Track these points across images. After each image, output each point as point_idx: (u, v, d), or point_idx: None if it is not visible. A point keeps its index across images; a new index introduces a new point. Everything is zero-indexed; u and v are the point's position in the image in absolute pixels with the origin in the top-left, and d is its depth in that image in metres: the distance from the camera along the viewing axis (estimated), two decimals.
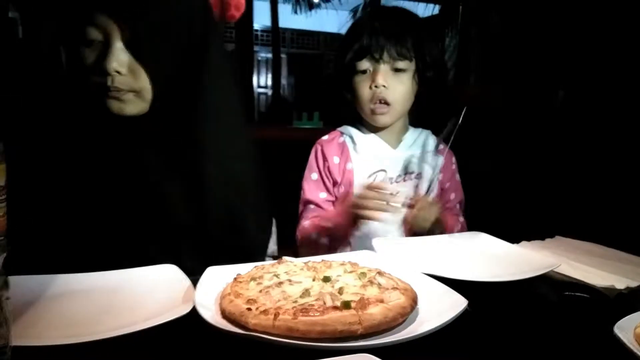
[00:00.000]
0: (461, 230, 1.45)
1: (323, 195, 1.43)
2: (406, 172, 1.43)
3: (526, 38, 2.72)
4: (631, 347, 0.61)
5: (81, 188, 0.98)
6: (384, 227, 1.36)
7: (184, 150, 1.04)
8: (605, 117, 2.08)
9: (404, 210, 1.34)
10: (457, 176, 1.56)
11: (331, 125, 1.53)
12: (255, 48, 9.59)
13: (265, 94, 11.55)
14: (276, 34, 8.82)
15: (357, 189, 1.37)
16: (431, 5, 6.09)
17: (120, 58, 0.93)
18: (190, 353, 0.65)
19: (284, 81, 11.35)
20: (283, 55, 10.77)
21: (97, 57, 0.94)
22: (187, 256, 0.95)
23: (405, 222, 1.38)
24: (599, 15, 2.30)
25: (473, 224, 1.55)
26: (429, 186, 1.43)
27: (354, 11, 8.04)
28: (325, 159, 1.44)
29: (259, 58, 11.29)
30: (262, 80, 11.61)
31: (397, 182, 1.41)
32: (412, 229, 1.36)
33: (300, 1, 7.88)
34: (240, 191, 1.12)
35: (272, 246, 1.20)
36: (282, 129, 4.87)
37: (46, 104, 1.01)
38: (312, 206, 1.43)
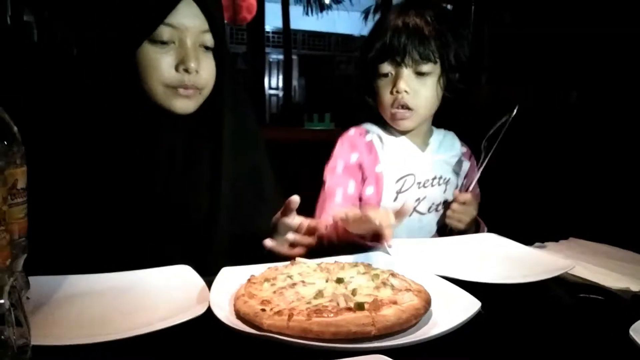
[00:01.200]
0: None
1: (350, 188, 1.33)
2: (434, 176, 1.36)
3: (539, 39, 2.70)
4: None
5: (101, 189, 0.99)
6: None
7: (207, 151, 1.08)
8: (619, 118, 2.06)
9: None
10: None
11: (342, 126, 1.49)
12: (267, 49, 9.61)
13: (277, 95, 11.57)
14: (287, 36, 8.84)
15: (386, 193, 1.31)
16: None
17: (198, 57, 1.00)
18: (205, 353, 0.65)
19: (295, 82, 11.35)
20: (294, 57, 10.78)
21: (171, 58, 0.99)
22: (201, 257, 0.96)
23: (445, 218, 1.33)
24: (610, 18, 2.29)
25: (487, 225, 1.55)
26: (468, 187, 1.36)
27: (366, 12, 8.02)
28: (353, 151, 1.35)
29: (270, 59, 11.31)
30: (273, 82, 11.64)
31: (424, 186, 1.34)
32: (450, 225, 1.32)
33: (312, 3, 7.88)
34: (256, 192, 1.16)
35: None
36: (294, 130, 4.87)
37: (80, 105, 1.03)
38: (336, 201, 1.31)
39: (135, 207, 1.00)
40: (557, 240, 1.23)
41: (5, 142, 0.53)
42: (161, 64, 0.98)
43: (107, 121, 1.00)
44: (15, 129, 0.55)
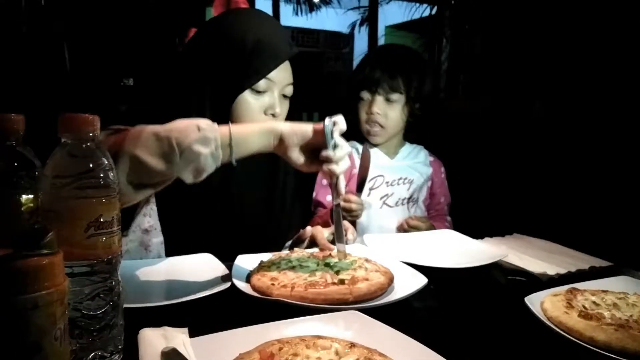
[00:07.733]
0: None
1: (329, 197, 1.72)
2: (400, 177, 1.76)
3: (507, 55, 3.00)
4: (537, 314, 0.88)
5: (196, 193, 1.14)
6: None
7: (266, 167, 1.34)
8: (575, 128, 2.35)
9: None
10: (446, 183, 1.88)
11: None
12: None
13: None
14: None
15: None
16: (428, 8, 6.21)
17: (281, 104, 1.25)
18: (232, 315, 0.90)
19: None
20: None
21: (262, 103, 1.21)
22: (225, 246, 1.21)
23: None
24: (571, 35, 2.58)
25: (453, 223, 1.84)
26: (417, 194, 1.75)
27: (352, 25, 8.22)
28: None
29: None
30: None
31: (392, 185, 1.74)
32: None
33: (301, 3, 8.10)
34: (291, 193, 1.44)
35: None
36: None
37: None
38: (320, 207, 1.74)
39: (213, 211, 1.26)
40: (503, 236, 1.50)
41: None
42: (254, 108, 1.20)
43: None
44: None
